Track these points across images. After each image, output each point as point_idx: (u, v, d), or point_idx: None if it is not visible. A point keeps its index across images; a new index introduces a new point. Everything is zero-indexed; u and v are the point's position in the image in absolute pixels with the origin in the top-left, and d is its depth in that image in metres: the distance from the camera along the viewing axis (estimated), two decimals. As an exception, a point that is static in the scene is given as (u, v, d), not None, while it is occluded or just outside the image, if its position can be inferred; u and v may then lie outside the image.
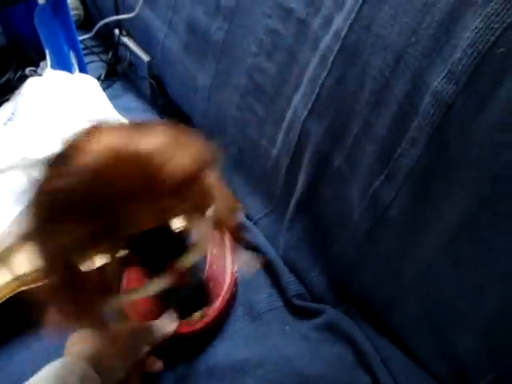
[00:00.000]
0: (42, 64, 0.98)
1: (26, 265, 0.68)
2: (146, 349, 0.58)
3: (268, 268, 0.76)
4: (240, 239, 0.48)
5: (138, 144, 0.35)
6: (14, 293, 0.65)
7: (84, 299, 0.41)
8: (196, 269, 0.47)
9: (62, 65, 0.95)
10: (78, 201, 0.35)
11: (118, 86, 1.19)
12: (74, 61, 0.99)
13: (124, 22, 1.11)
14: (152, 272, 0.45)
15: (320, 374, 0.63)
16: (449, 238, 0.53)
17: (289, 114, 0.70)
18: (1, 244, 0.68)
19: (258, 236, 0.80)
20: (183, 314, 0.55)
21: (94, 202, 0.35)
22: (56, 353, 0.53)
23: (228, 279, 0.70)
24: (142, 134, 0.37)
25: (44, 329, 0.42)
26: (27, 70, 1.03)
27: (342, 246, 0.67)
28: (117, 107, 0.94)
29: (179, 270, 0.44)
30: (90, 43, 1.26)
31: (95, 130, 0.38)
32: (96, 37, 1.21)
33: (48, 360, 0.51)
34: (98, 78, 1.13)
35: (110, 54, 1.20)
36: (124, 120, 0.91)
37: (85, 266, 0.41)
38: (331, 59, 0.60)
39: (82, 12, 1.39)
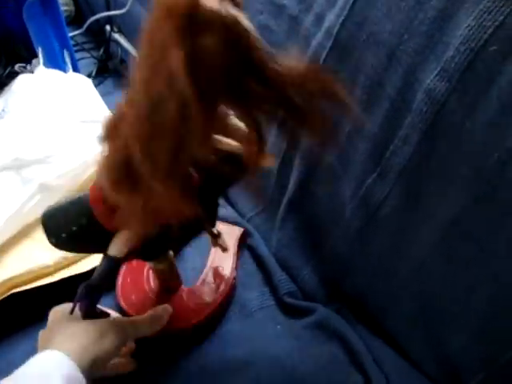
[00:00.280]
0: (34, 61, 0.97)
1: (17, 266, 0.68)
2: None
3: (260, 265, 0.76)
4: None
5: None
6: (6, 295, 0.65)
7: None
8: None
9: (54, 63, 0.94)
10: None
11: (109, 83, 1.19)
12: (67, 59, 0.98)
13: (115, 18, 1.11)
14: None
15: (311, 373, 0.63)
16: (441, 236, 0.53)
17: (281, 111, 0.70)
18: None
19: (251, 233, 0.80)
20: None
21: None
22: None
23: (227, 279, 0.71)
24: None
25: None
26: (17, 67, 1.02)
27: (334, 245, 0.67)
28: (108, 104, 0.93)
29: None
30: (80, 39, 1.25)
31: None
32: (87, 33, 1.20)
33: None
34: (90, 75, 1.13)
35: (102, 50, 1.20)
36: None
37: None
38: (323, 56, 0.59)
39: (72, 8, 1.39)
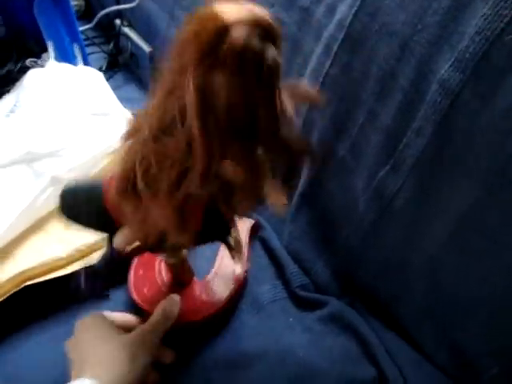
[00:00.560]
0: (44, 56, 0.97)
1: (30, 259, 0.68)
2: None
3: (272, 258, 0.76)
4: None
5: None
6: (19, 288, 0.65)
7: None
8: None
9: (65, 57, 0.95)
10: None
11: (119, 77, 1.19)
12: (77, 53, 0.98)
13: (125, 13, 1.11)
14: None
15: (324, 366, 0.63)
16: (454, 228, 0.53)
17: (292, 104, 0.69)
18: (6, 238, 0.68)
19: (263, 226, 0.80)
20: None
21: None
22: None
23: (238, 275, 0.70)
24: None
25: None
26: (28, 61, 1.02)
27: (347, 237, 0.67)
28: (118, 98, 0.93)
29: None
30: (90, 34, 1.25)
31: None
32: (97, 27, 1.20)
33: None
34: (100, 69, 1.13)
35: (111, 44, 1.20)
36: (127, 112, 0.90)
37: None
38: (335, 48, 0.59)
39: (82, 2, 1.39)
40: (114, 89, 0.96)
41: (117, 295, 0.70)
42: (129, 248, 0.51)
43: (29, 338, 0.65)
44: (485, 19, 0.43)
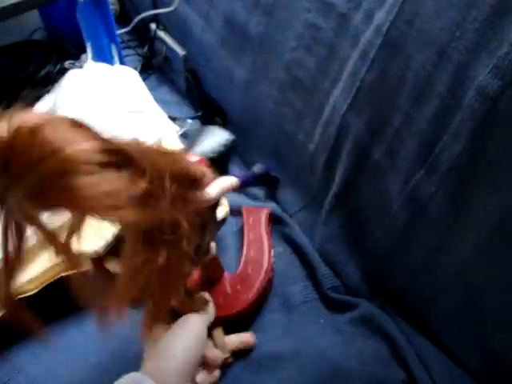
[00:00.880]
0: (82, 57, 1.00)
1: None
2: None
3: (304, 260, 0.77)
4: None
5: None
6: (55, 279, 0.67)
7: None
8: None
9: (103, 57, 0.97)
10: None
11: (153, 79, 1.21)
12: (114, 53, 1.01)
13: (161, 17, 1.13)
14: None
15: (354, 368, 0.64)
16: (487, 234, 0.53)
17: (327, 109, 0.70)
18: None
19: (294, 228, 0.81)
20: None
21: None
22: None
23: (266, 264, 0.71)
24: None
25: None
26: (66, 63, 1.05)
27: (379, 240, 0.67)
28: (153, 100, 0.95)
29: None
30: (126, 37, 1.28)
31: None
32: (132, 31, 1.22)
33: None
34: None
35: (146, 47, 1.22)
36: (162, 112, 0.92)
37: None
38: (372, 54, 0.60)
39: (117, 7, 1.41)
40: (148, 91, 0.99)
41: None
42: None
43: (66, 328, 0.67)
44: (525, 26, 0.44)
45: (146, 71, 1.22)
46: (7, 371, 0.63)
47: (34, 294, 0.65)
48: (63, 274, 0.67)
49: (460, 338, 0.63)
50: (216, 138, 0.91)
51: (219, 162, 0.90)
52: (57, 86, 0.94)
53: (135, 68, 1.18)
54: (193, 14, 1.01)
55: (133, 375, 0.48)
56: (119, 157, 0.35)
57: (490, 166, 0.51)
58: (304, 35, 0.72)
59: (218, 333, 0.62)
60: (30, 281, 0.66)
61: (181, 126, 0.95)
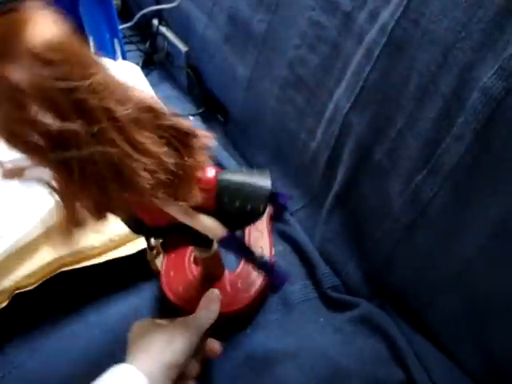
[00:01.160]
0: (85, 51, 1.00)
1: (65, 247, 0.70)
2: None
3: (304, 259, 0.77)
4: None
5: None
6: (55, 273, 0.67)
7: None
8: None
9: (105, 52, 0.97)
10: None
11: (154, 75, 1.21)
12: (117, 48, 1.00)
13: (163, 12, 1.13)
14: None
15: (353, 367, 0.63)
16: (489, 235, 0.53)
17: (330, 107, 0.70)
18: (43, 225, 0.70)
19: (294, 227, 0.81)
20: None
21: None
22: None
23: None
24: None
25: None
26: (68, 57, 1.04)
27: (380, 240, 0.67)
28: (154, 95, 0.95)
29: None
30: (127, 33, 1.28)
31: None
32: (134, 26, 1.22)
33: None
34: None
35: (148, 43, 1.22)
36: (164, 107, 0.92)
37: None
38: (377, 53, 0.60)
39: (120, 2, 1.41)
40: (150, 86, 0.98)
41: (144, 291, 0.72)
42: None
43: (63, 324, 0.67)
44: (532, 28, 0.43)
45: (147, 67, 1.22)
46: (3, 366, 0.63)
47: (34, 289, 0.65)
48: (63, 269, 0.68)
49: (460, 340, 0.62)
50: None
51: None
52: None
53: (137, 64, 1.18)
54: (196, 11, 1.00)
55: (123, 367, 0.49)
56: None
57: (492, 167, 0.50)
58: (308, 33, 0.72)
59: None
60: (30, 275, 0.66)
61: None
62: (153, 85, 0.97)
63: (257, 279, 0.69)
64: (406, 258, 0.65)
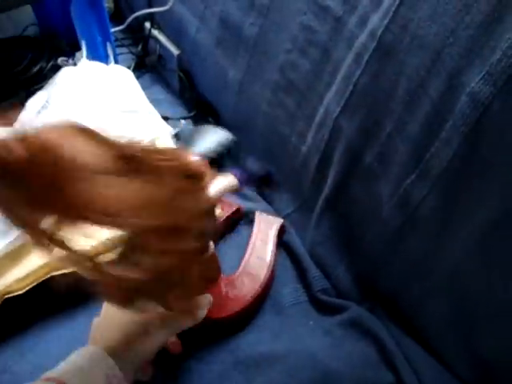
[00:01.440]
0: (77, 54, 0.99)
1: (57, 250, 0.70)
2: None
3: (295, 262, 0.77)
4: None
5: None
6: (45, 278, 0.67)
7: None
8: None
9: (97, 56, 0.97)
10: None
11: (146, 78, 1.20)
12: (110, 52, 1.00)
13: (155, 15, 1.12)
14: None
15: (343, 370, 0.63)
16: (479, 238, 0.53)
17: (320, 111, 0.70)
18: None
19: (288, 231, 0.81)
20: None
21: None
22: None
23: (265, 273, 0.71)
24: None
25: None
26: (59, 60, 1.04)
27: (370, 244, 0.68)
28: (146, 98, 0.95)
29: None
30: (119, 35, 1.27)
31: None
32: (126, 29, 1.22)
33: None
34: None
35: (140, 46, 1.22)
36: (156, 112, 0.92)
37: None
38: (366, 58, 0.60)
39: (111, 5, 1.41)
40: (142, 91, 0.98)
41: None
42: None
43: (53, 328, 0.67)
44: (519, 34, 0.44)
45: (139, 70, 1.21)
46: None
47: (24, 292, 0.64)
48: (52, 274, 0.67)
49: (449, 343, 0.63)
50: (215, 137, 0.90)
51: (218, 163, 0.89)
52: (50, 82, 0.94)
53: (128, 67, 1.18)
54: (188, 14, 1.00)
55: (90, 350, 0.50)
56: (131, 163, 0.36)
57: (480, 171, 0.51)
58: (299, 37, 0.72)
59: None
60: (20, 280, 0.66)
61: (174, 127, 0.95)
62: (144, 88, 0.97)
63: (254, 284, 0.69)
64: (396, 261, 0.65)
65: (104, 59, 1.00)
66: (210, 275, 0.68)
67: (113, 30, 1.14)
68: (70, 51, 1.07)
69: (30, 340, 0.66)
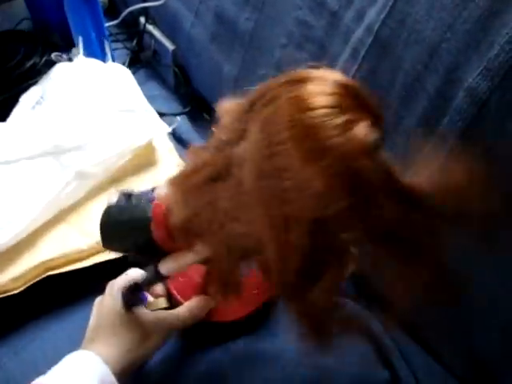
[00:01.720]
0: (73, 50, 0.98)
1: (53, 249, 0.69)
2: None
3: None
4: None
5: None
6: (42, 277, 0.66)
7: None
8: None
9: (92, 52, 0.96)
10: None
11: (141, 74, 1.19)
12: (107, 50, 0.99)
13: (150, 10, 1.12)
14: None
15: (339, 367, 0.63)
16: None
17: (317, 107, 0.70)
18: (30, 228, 0.69)
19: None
20: None
21: None
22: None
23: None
24: None
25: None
26: (53, 55, 1.03)
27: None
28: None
29: None
30: (114, 30, 1.26)
31: None
32: (120, 24, 1.21)
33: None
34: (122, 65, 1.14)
35: (135, 41, 1.21)
36: (152, 110, 0.91)
37: None
38: (363, 52, 0.60)
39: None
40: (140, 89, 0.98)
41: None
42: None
43: (47, 327, 0.67)
44: (516, 29, 0.44)
45: (134, 65, 1.20)
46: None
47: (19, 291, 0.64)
48: (50, 273, 0.67)
49: (445, 341, 0.63)
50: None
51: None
52: (45, 77, 0.93)
53: (123, 62, 1.17)
54: (183, 9, 1.00)
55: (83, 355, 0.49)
56: None
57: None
58: (294, 32, 0.72)
59: None
60: (16, 279, 0.65)
61: (169, 123, 0.94)
62: (139, 83, 0.97)
63: (262, 289, 0.67)
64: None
65: (98, 55, 0.99)
66: None
67: (107, 24, 1.14)
68: (64, 46, 1.06)
69: (24, 338, 0.65)
